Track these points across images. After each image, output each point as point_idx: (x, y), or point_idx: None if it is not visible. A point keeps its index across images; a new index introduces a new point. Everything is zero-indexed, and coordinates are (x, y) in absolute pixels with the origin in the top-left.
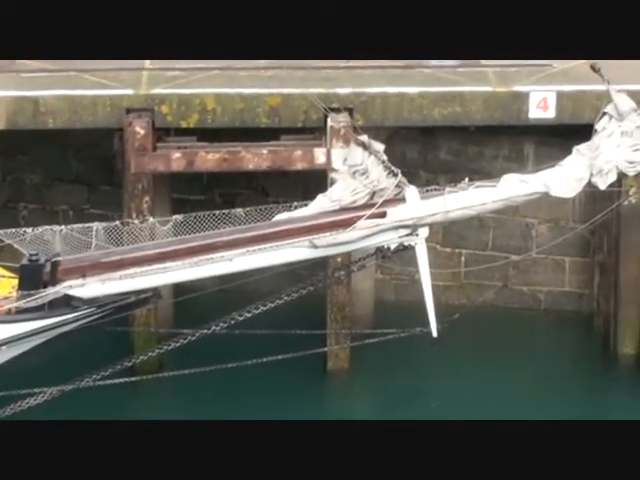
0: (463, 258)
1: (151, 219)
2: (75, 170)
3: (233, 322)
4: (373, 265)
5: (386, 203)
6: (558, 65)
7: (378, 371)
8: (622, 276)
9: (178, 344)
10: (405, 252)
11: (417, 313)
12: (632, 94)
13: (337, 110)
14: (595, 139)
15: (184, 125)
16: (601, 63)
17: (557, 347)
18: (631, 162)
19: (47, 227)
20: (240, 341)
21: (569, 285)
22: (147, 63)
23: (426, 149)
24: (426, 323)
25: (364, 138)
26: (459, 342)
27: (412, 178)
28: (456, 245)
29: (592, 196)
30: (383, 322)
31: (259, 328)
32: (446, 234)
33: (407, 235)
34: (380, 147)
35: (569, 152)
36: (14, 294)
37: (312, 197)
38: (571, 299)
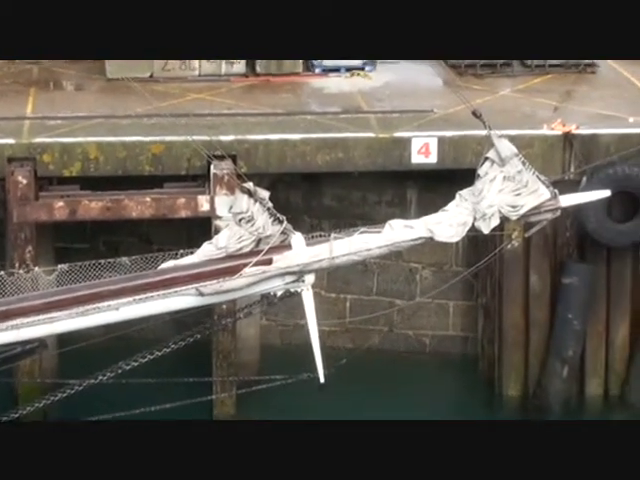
0: (348, 303)
1: (36, 269)
2: None
3: (120, 371)
4: (258, 312)
5: (272, 250)
6: (439, 111)
7: (265, 418)
8: (505, 320)
9: (64, 394)
10: (290, 299)
11: (304, 358)
12: (512, 139)
13: (220, 157)
14: (478, 184)
15: (67, 174)
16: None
17: (442, 390)
18: (513, 206)
19: None
20: (127, 390)
21: (453, 329)
22: (28, 112)
23: (310, 195)
24: (313, 368)
25: (249, 185)
26: (346, 387)
27: (296, 224)
28: (341, 290)
29: (474, 240)
30: (270, 367)
31: (145, 377)
32: (330, 279)
33: (293, 282)
34: (265, 194)
35: (452, 197)
36: None
37: (196, 245)
38: (456, 343)
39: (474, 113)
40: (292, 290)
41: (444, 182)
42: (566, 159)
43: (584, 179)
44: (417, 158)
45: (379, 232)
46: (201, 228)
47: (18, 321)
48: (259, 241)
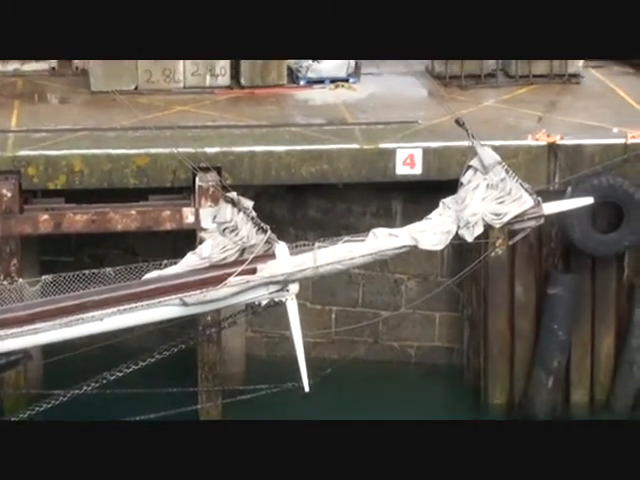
0: (333, 315)
1: (20, 280)
2: None
3: (104, 381)
4: (244, 323)
5: (256, 259)
6: (424, 122)
7: None
8: (491, 330)
9: (49, 405)
10: (275, 310)
11: (289, 369)
12: (497, 149)
13: (205, 169)
14: (461, 192)
15: (51, 187)
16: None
17: (428, 400)
18: (497, 214)
19: None
20: (112, 400)
21: (439, 340)
22: (13, 124)
23: (295, 206)
24: (298, 378)
25: (233, 195)
26: (331, 397)
27: (281, 235)
28: (326, 302)
29: (459, 250)
30: (255, 379)
31: (131, 387)
32: (316, 291)
33: (278, 291)
34: (249, 204)
35: (437, 208)
36: None
37: (182, 256)
38: (441, 353)
39: (457, 121)
40: (276, 299)
41: (429, 193)
42: (551, 169)
43: (569, 189)
44: (402, 169)
45: (363, 241)
46: (186, 240)
47: (2, 332)
48: (243, 250)
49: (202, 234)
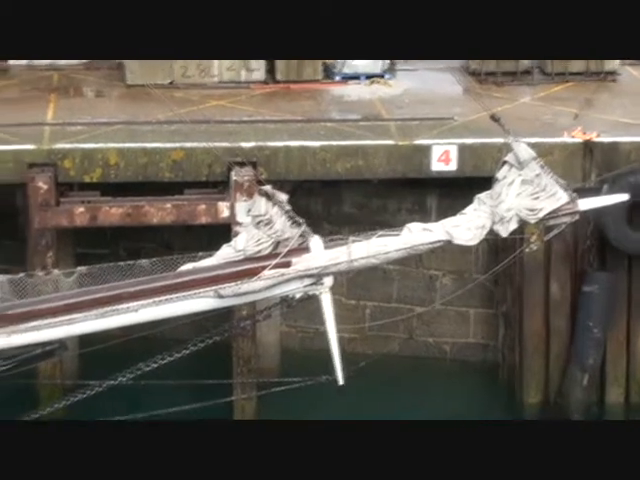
0: (368, 310)
1: (55, 271)
2: None
3: (139, 373)
4: (278, 317)
5: (290, 253)
6: (459, 118)
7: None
8: (526, 327)
9: (84, 396)
10: (310, 304)
11: (324, 364)
12: (533, 147)
13: (241, 164)
14: (496, 187)
15: (87, 180)
16: None
17: (463, 397)
18: (532, 210)
19: None
20: (147, 392)
21: (474, 336)
22: (49, 118)
23: (330, 202)
24: (332, 372)
25: (268, 188)
26: (365, 391)
27: (316, 230)
28: (361, 297)
29: (495, 247)
30: (290, 373)
31: (165, 378)
32: (351, 286)
33: (312, 284)
34: (283, 197)
35: (471, 204)
36: None
37: (216, 251)
38: (476, 350)
39: (492, 117)
40: (311, 293)
41: (464, 189)
42: (586, 167)
43: (605, 187)
44: (437, 166)
45: (398, 235)
46: (221, 235)
47: (38, 322)
48: (277, 244)
49: (237, 228)
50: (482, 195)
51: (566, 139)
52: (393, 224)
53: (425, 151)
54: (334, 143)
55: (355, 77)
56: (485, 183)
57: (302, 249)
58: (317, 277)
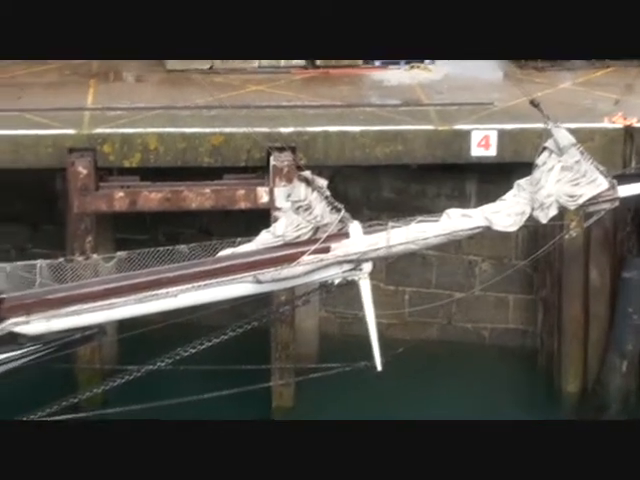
0: (407, 296)
1: (95, 256)
2: (17, 210)
3: (178, 358)
4: (317, 303)
5: (330, 238)
6: (499, 103)
7: (323, 407)
8: (565, 313)
9: (123, 380)
10: (349, 290)
11: (362, 349)
12: (573, 132)
13: (280, 149)
14: (536, 174)
15: (127, 165)
16: None
17: (501, 382)
18: (571, 196)
19: None
20: (185, 377)
21: (513, 322)
22: (89, 103)
23: (369, 187)
24: (371, 358)
25: (307, 174)
26: (403, 376)
27: (355, 216)
28: (399, 283)
29: (535, 233)
30: (328, 359)
31: (204, 364)
32: (389, 272)
33: (351, 270)
34: (323, 183)
35: (511, 189)
36: None
37: (255, 236)
38: (515, 336)
39: (532, 102)
40: (349, 279)
41: (504, 175)
42: (627, 153)
43: None
44: (477, 151)
45: (437, 221)
46: (260, 220)
47: (77, 307)
48: (317, 229)
49: (276, 213)
50: (522, 181)
51: (606, 125)
52: (432, 209)
53: (465, 136)
54: (373, 128)
55: (395, 62)
56: (525, 169)
57: (341, 235)
58: (356, 263)
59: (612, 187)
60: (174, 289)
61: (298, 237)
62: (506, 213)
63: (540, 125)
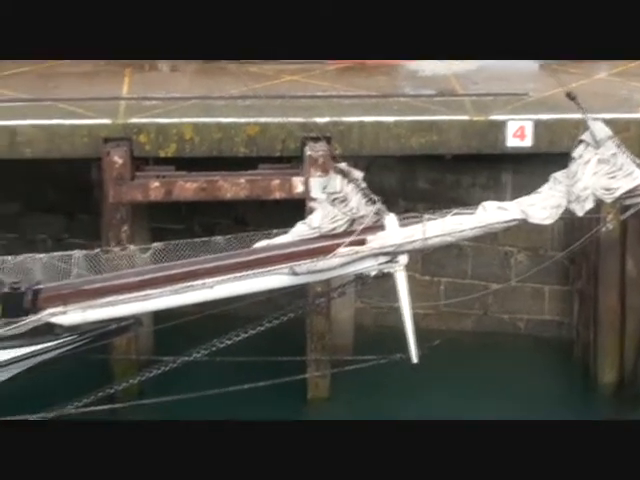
0: (442, 287)
1: (131, 247)
2: (53, 199)
3: (214, 349)
4: (353, 294)
5: (365, 230)
6: (535, 94)
7: (358, 399)
8: (601, 304)
9: (159, 371)
10: (385, 281)
11: (397, 340)
12: (609, 123)
13: (315, 139)
14: (572, 166)
15: (162, 155)
16: None
17: (537, 373)
18: (608, 189)
19: (28, 255)
20: (221, 368)
21: (549, 313)
22: (124, 92)
23: (404, 178)
24: (406, 349)
25: (343, 166)
26: (439, 368)
27: (391, 207)
28: (435, 274)
29: (571, 225)
30: (364, 350)
31: (239, 355)
32: (425, 263)
33: (386, 262)
34: (359, 175)
35: (547, 181)
36: None
37: (291, 226)
38: (551, 327)
39: (568, 95)
40: (385, 271)
41: (539, 166)
42: None
43: None
44: (512, 141)
45: (472, 213)
46: (295, 210)
47: (113, 298)
48: (352, 221)
49: (311, 204)
50: (558, 174)
51: None
52: (467, 200)
53: (500, 127)
54: (408, 118)
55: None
56: (561, 159)
57: (377, 227)
58: (392, 255)
59: None
60: (210, 280)
61: (334, 229)
62: (542, 206)
63: (575, 115)
